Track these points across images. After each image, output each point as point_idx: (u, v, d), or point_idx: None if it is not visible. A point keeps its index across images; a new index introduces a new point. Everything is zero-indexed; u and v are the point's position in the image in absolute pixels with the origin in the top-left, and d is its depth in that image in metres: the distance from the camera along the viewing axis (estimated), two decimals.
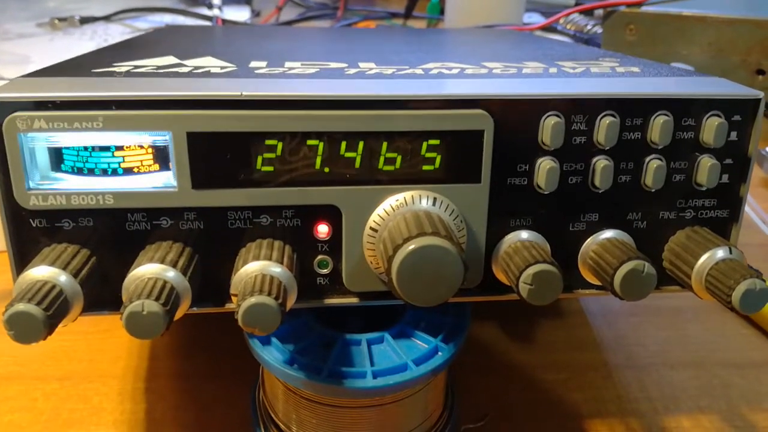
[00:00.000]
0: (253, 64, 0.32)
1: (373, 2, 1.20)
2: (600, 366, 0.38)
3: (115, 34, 0.80)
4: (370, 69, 0.31)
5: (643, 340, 0.40)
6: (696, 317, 0.43)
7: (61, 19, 0.80)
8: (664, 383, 0.37)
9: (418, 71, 0.31)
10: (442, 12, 0.88)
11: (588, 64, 0.34)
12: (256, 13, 0.99)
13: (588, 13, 0.77)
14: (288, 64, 0.32)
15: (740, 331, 0.41)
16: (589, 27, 0.83)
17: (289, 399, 0.30)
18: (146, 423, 0.33)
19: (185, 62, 0.32)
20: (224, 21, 0.80)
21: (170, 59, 0.33)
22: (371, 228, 0.26)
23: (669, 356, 0.39)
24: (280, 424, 0.31)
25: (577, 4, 0.96)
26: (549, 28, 0.77)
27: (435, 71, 0.31)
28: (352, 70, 0.30)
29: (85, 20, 0.81)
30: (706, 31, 0.65)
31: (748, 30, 0.63)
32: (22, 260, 0.26)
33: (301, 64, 0.32)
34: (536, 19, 0.90)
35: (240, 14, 0.90)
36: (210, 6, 0.82)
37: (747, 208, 0.56)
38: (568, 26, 0.82)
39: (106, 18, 0.82)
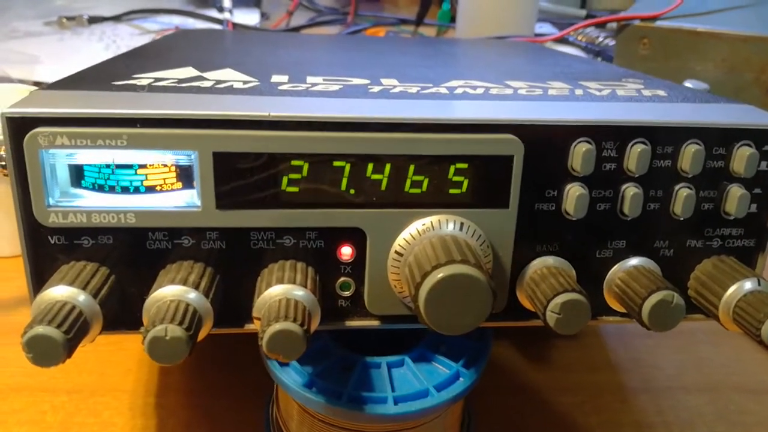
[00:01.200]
0: (275, 78, 0.31)
1: (383, 8, 1.20)
2: (616, 389, 0.37)
3: (124, 35, 0.79)
4: (394, 87, 0.30)
5: (659, 362, 0.40)
6: (710, 339, 0.42)
7: (69, 18, 0.79)
8: (680, 408, 0.36)
9: (443, 90, 0.30)
10: (452, 20, 0.87)
11: (612, 85, 0.34)
12: (265, 17, 0.98)
13: (600, 25, 0.77)
14: (310, 80, 0.31)
15: (755, 356, 0.41)
16: (600, 39, 0.82)
17: (304, 420, 0.29)
18: None
19: (206, 75, 0.31)
20: (234, 25, 0.80)
21: (190, 71, 0.32)
22: (396, 252, 0.26)
23: (685, 380, 0.38)
24: None
25: (587, 16, 0.97)
26: (560, 40, 0.77)
27: (460, 90, 0.30)
28: (376, 88, 0.30)
29: (93, 20, 0.80)
30: (720, 47, 0.65)
31: (763, 48, 0.63)
32: (39, 277, 0.25)
33: (323, 80, 0.32)
34: (548, 29, 0.90)
35: (250, 17, 0.90)
36: (221, 9, 0.81)
37: None
38: (580, 38, 0.81)
39: (115, 18, 0.82)
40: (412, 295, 0.24)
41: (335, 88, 0.30)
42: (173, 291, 0.24)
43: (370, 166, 0.25)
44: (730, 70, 0.65)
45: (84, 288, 0.24)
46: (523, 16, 0.76)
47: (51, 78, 0.64)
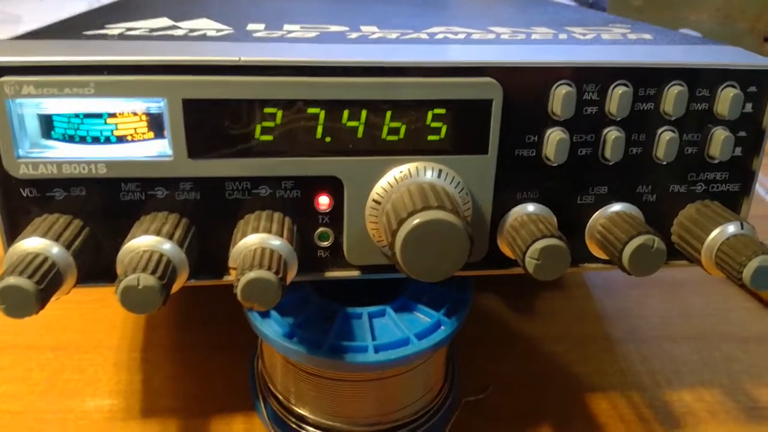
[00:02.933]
0: (251, 26, 0.30)
1: None
2: (602, 338, 0.37)
3: None
4: (373, 33, 0.30)
5: (645, 312, 0.40)
6: (698, 290, 0.42)
7: None
8: (666, 357, 0.36)
9: (423, 36, 0.30)
10: None
11: (598, 30, 0.33)
12: None
13: None
14: (287, 27, 0.31)
15: (743, 305, 0.41)
16: None
17: (288, 372, 0.29)
18: (143, 394, 0.32)
19: (180, 24, 0.30)
20: None
21: (164, 21, 0.31)
22: (374, 200, 0.26)
23: (671, 329, 0.38)
24: (279, 396, 0.30)
25: None
26: None
27: (440, 36, 0.30)
28: (354, 34, 0.29)
29: None
30: None
31: None
32: (12, 231, 0.25)
33: (301, 27, 0.31)
34: None
35: None
36: None
37: (763, 193, 0.56)
38: None
39: None
40: (389, 243, 0.24)
41: (312, 35, 0.29)
42: (147, 241, 0.23)
43: (346, 113, 0.25)
44: (724, 20, 0.64)
45: (57, 239, 0.23)
46: None
47: None
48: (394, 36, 0.29)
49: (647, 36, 0.31)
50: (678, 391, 0.34)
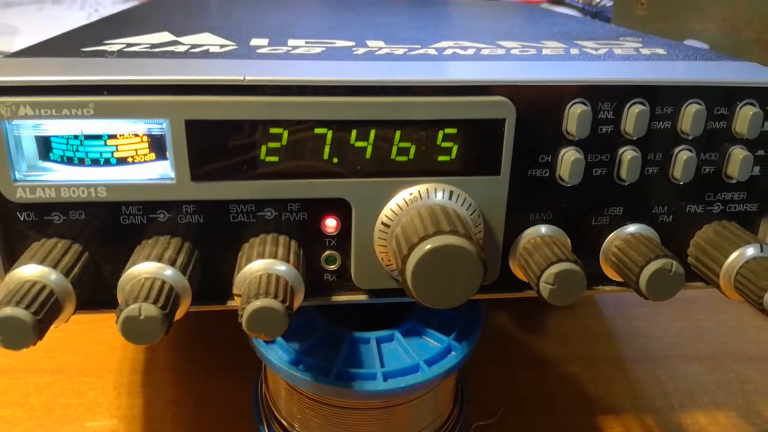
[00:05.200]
0: (254, 41, 0.30)
1: None
2: (614, 359, 0.37)
3: (107, 2, 0.77)
4: (380, 48, 0.29)
5: (657, 332, 0.39)
6: (709, 308, 0.41)
7: None
8: (679, 377, 0.36)
9: (432, 51, 0.29)
10: None
11: (610, 44, 0.32)
12: None
13: None
14: (291, 42, 0.30)
15: (756, 323, 0.40)
16: (597, 0, 0.80)
17: (292, 398, 0.28)
18: (144, 419, 0.31)
19: (181, 39, 0.30)
20: None
21: (165, 36, 0.31)
22: (383, 223, 0.25)
23: (683, 349, 0.38)
24: (284, 422, 0.29)
25: None
26: (556, 1, 0.75)
27: (449, 51, 0.29)
28: (361, 50, 0.29)
29: None
30: (721, 5, 0.63)
31: (763, 6, 0.61)
32: (9, 256, 0.24)
33: (306, 42, 0.30)
34: None
35: None
36: None
37: None
38: None
39: None
40: (400, 269, 0.23)
41: (317, 50, 0.28)
42: (148, 268, 0.23)
43: (354, 133, 0.24)
44: (731, 30, 0.63)
45: (55, 266, 0.23)
46: None
47: None
48: (401, 52, 0.28)
49: (660, 51, 0.31)
50: (692, 413, 0.33)
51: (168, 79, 0.22)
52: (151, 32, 0.32)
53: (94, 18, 0.72)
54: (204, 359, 0.35)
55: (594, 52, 0.30)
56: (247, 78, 0.23)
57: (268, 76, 0.23)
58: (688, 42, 0.56)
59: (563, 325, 0.39)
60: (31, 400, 0.32)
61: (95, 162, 0.23)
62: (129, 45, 0.28)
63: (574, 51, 0.30)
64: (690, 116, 0.25)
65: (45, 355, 0.35)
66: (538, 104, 0.24)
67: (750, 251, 0.26)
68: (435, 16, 0.46)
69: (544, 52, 0.30)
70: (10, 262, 0.24)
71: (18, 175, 0.23)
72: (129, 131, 0.23)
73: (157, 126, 0.23)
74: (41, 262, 0.22)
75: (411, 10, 0.49)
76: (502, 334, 0.38)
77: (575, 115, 0.24)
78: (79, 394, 0.33)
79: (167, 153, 0.23)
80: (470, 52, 0.29)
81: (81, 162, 0.23)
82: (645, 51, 0.31)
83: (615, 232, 0.27)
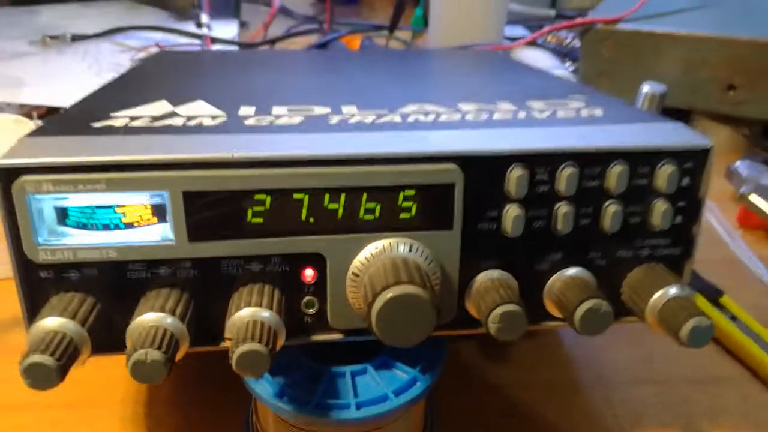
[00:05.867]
0: (242, 111, 0.34)
1: (360, 12, 1.22)
2: (570, 384, 0.40)
3: (107, 52, 0.81)
4: (352, 116, 0.33)
5: (612, 358, 0.43)
6: (661, 336, 0.45)
7: (52, 37, 0.81)
8: (629, 400, 0.39)
9: (397, 118, 0.33)
10: (425, 23, 0.90)
11: (556, 105, 0.36)
12: (244, 26, 1.00)
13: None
14: (275, 110, 0.34)
15: (702, 349, 0.44)
16: (568, 40, 0.85)
17: (279, 426, 0.32)
18: None
19: (178, 110, 0.34)
20: (213, 39, 0.82)
21: (164, 105, 0.35)
22: (353, 273, 0.29)
23: (635, 373, 0.42)
24: None
25: (557, 16, 0.99)
26: (530, 42, 0.80)
27: (412, 118, 0.33)
28: (335, 118, 0.33)
29: (76, 38, 0.82)
30: (678, 48, 0.68)
31: (717, 47, 0.66)
32: (32, 308, 0.28)
33: (288, 110, 0.34)
34: (519, 32, 0.92)
35: (228, 29, 0.92)
36: (199, 24, 0.83)
37: (714, 222, 0.59)
38: (549, 39, 0.84)
39: (98, 36, 0.84)
40: (366, 313, 0.27)
41: (298, 120, 0.32)
42: (152, 318, 0.27)
43: (327, 197, 0.28)
44: (688, 69, 0.68)
45: (73, 317, 0.26)
46: (491, 22, 0.79)
47: (35, 100, 0.67)
48: (370, 120, 0.33)
49: (598, 112, 0.35)
50: None
51: (168, 158, 0.26)
52: (151, 101, 0.36)
53: (95, 68, 0.77)
54: (200, 392, 0.39)
55: (539, 115, 0.34)
56: (236, 155, 0.27)
57: (253, 153, 0.27)
58: (647, 84, 0.61)
59: (527, 355, 0.43)
60: None
61: (106, 227, 0.27)
62: (133, 118, 0.32)
63: (521, 114, 0.34)
64: (615, 176, 0.29)
65: (59, 390, 0.38)
66: (483, 170, 0.28)
67: (672, 291, 0.30)
68: (406, 73, 0.50)
69: (495, 116, 0.34)
70: (33, 313, 0.28)
71: (40, 240, 0.27)
72: (135, 201, 0.27)
73: (159, 197, 0.27)
74: (61, 314, 0.26)
75: (385, 65, 0.53)
76: (471, 364, 0.42)
77: (514, 179, 0.28)
78: (90, 426, 0.36)
79: (167, 218, 0.27)
80: (430, 118, 0.33)
81: (93, 227, 0.27)
82: (584, 113, 0.35)
83: (556, 275, 0.31)
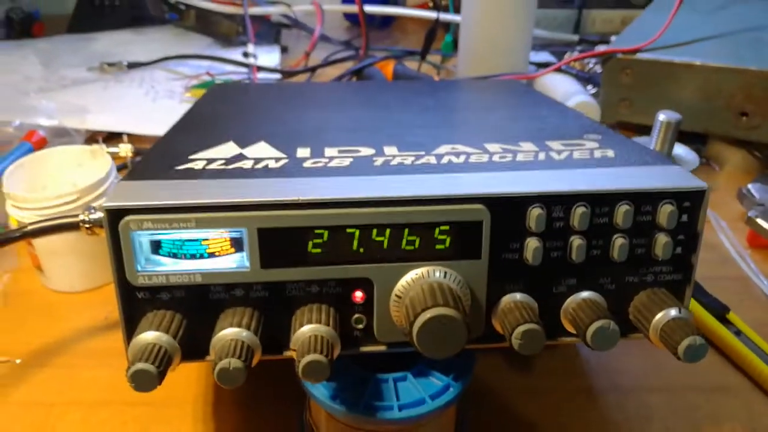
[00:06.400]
0: (300, 153, 0.39)
1: (392, 34, 1.28)
2: (587, 391, 0.45)
3: (161, 79, 0.88)
4: (394, 157, 0.38)
5: (625, 367, 0.47)
6: None
7: (110, 64, 0.88)
8: (640, 406, 0.44)
9: (432, 160, 0.38)
10: (455, 48, 0.95)
11: (572, 146, 0.41)
12: (284, 50, 1.07)
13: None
14: (327, 152, 0.40)
15: (709, 358, 0.49)
16: (590, 66, 0.90)
17: (330, 423, 0.38)
18: None
19: (246, 152, 0.40)
20: (259, 68, 0.88)
21: (232, 148, 0.41)
22: (396, 295, 0.34)
23: (645, 382, 0.46)
24: None
25: (580, 41, 1.04)
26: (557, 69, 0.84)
27: (445, 159, 0.38)
28: (379, 160, 0.38)
29: (132, 65, 0.89)
30: (694, 77, 0.72)
31: (732, 77, 0.70)
32: (129, 324, 0.33)
33: (338, 152, 0.40)
34: (544, 57, 0.97)
35: (271, 57, 0.98)
36: (245, 54, 0.90)
37: (726, 242, 0.63)
38: (572, 64, 0.89)
39: (151, 63, 0.91)
40: (408, 330, 0.32)
41: (347, 162, 0.38)
42: (232, 332, 0.32)
43: (375, 231, 0.33)
44: (703, 97, 0.72)
45: (167, 331, 0.32)
46: (517, 49, 0.83)
47: (100, 126, 0.73)
48: (410, 161, 0.38)
49: (610, 153, 0.40)
50: None
51: (245, 201, 0.32)
52: (221, 143, 0.42)
53: (152, 94, 0.83)
54: (261, 392, 0.44)
55: (557, 156, 0.39)
56: (300, 199, 0.32)
57: (314, 197, 0.33)
58: (662, 113, 0.65)
59: (548, 364, 0.48)
60: (128, 427, 0.42)
61: (192, 256, 0.33)
62: (209, 161, 0.38)
63: (541, 156, 0.39)
64: (622, 214, 0.34)
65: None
66: (507, 209, 0.33)
67: (672, 313, 0.34)
68: (435, 108, 0.55)
69: (518, 157, 0.39)
70: (130, 328, 0.33)
71: (139, 267, 0.33)
72: (217, 236, 0.33)
73: (238, 232, 0.33)
74: (157, 329, 0.32)
75: (414, 99, 0.58)
76: (496, 372, 0.47)
77: (534, 216, 0.33)
78: (166, 422, 0.42)
79: (244, 248, 0.33)
80: (462, 159, 0.38)
81: (183, 257, 0.33)
82: (597, 153, 0.40)
83: (571, 297, 0.36)
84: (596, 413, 0.43)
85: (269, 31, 1.05)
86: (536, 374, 0.47)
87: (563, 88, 0.81)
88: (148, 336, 0.32)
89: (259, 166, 0.37)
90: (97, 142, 0.72)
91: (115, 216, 0.32)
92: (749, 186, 0.67)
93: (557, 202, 0.34)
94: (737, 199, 0.68)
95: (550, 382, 0.46)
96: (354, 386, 0.36)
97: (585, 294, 0.36)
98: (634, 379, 0.46)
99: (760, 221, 0.55)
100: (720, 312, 0.52)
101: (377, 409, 0.35)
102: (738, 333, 0.50)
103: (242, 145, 0.41)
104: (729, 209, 0.68)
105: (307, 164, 0.37)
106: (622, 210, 0.34)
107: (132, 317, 0.34)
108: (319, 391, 0.36)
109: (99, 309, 0.52)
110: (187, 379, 0.46)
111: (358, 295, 0.35)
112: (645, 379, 0.46)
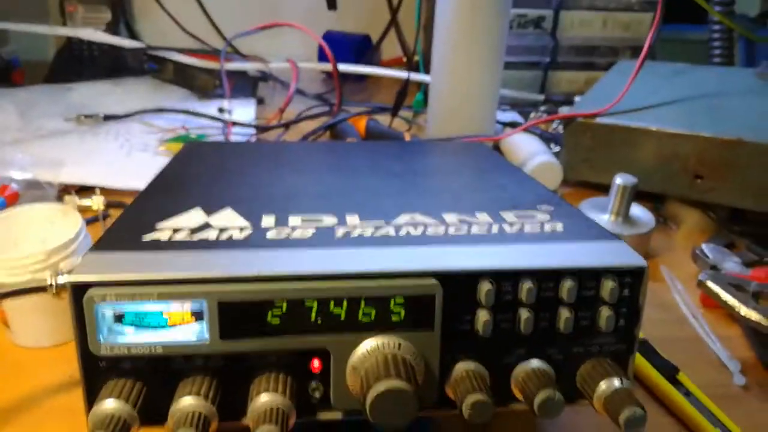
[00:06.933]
0: (264, 221, 0.41)
1: (366, 88, 1.31)
2: None
3: (136, 132, 0.89)
4: (354, 228, 0.40)
5: (578, 427, 0.49)
6: None
7: (87, 116, 0.90)
8: None
9: (391, 231, 0.40)
10: (425, 104, 0.98)
11: (524, 218, 0.43)
12: (261, 101, 1.09)
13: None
14: (291, 221, 0.41)
15: (660, 419, 0.50)
16: (554, 126, 0.93)
17: None
18: None
19: (211, 220, 0.41)
20: (234, 123, 0.90)
21: (199, 215, 0.42)
22: (352, 365, 0.35)
23: None
24: None
25: (545, 101, 1.08)
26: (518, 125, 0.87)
27: (404, 231, 0.40)
28: (341, 231, 0.40)
29: (108, 117, 0.91)
30: (651, 141, 0.75)
31: (686, 142, 0.73)
32: (90, 390, 0.34)
33: (302, 221, 0.41)
34: (511, 116, 1.00)
35: (246, 111, 1.01)
36: (221, 110, 0.92)
37: (680, 302, 0.65)
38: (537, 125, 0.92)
39: (127, 116, 0.92)
40: (362, 400, 0.33)
41: (309, 233, 0.39)
42: (189, 402, 0.33)
43: (332, 303, 0.35)
44: (660, 160, 0.75)
45: (126, 400, 0.33)
46: (485, 110, 0.87)
47: (74, 179, 0.74)
48: (369, 233, 0.40)
49: (559, 227, 0.42)
50: None
51: (207, 276, 0.33)
52: (188, 208, 0.43)
53: (126, 147, 0.85)
54: None
55: (509, 229, 0.41)
56: (260, 272, 0.34)
57: (274, 271, 0.34)
58: (619, 176, 0.68)
59: (503, 424, 0.49)
60: None
61: (154, 327, 0.34)
62: (175, 230, 0.39)
63: (494, 228, 0.41)
64: (566, 289, 0.36)
65: None
66: (458, 284, 0.35)
67: (615, 383, 0.36)
68: (401, 172, 0.57)
69: (473, 229, 0.41)
70: (91, 392, 0.34)
71: (101, 338, 0.34)
72: (179, 309, 0.34)
73: (198, 304, 0.34)
74: (117, 397, 0.33)
75: (382, 161, 0.60)
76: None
77: (484, 291, 0.35)
78: None
79: (204, 319, 0.34)
80: (419, 231, 0.40)
81: (144, 327, 0.34)
82: (547, 227, 0.42)
83: (520, 365, 0.37)
84: None
85: (246, 83, 1.08)
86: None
87: (527, 148, 0.84)
88: (108, 406, 0.33)
89: (224, 237, 0.39)
90: (70, 193, 0.73)
91: (79, 289, 0.33)
92: (703, 246, 0.69)
93: (506, 278, 0.36)
94: (692, 259, 0.70)
95: None
96: None
97: (534, 363, 0.37)
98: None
99: (710, 284, 0.58)
100: (671, 372, 0.53)
101: None
102: (687, 394, 0.52)
103: (209, 212, 0.43)
104: (685, 269, 0.70)
105: (270, 235, 0.39)
106: (567, 285, 0.36)
107: (93, 385, 0.34)
108: None
109: (65, 365, 0.52)
110: None
111: (316, 364, 0.36)
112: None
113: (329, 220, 0.42)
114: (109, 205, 0.73)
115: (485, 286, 0.35)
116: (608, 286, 0.36)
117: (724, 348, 0.59)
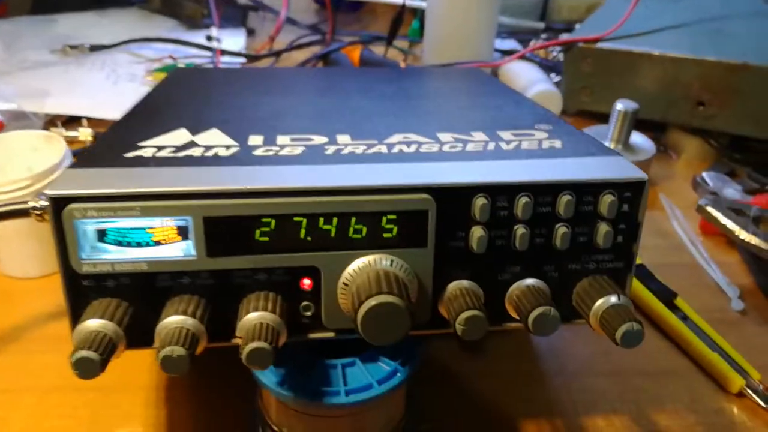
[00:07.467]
0: (252, 140, 0.39)
1: (360, 19, 1.27)
2: (535, 374, 0.46)
3: (123, 62, 0.87)
4: (346, 146, 0.39)
5: (574, 351, 0.49)
6: None
7: (72, 47, 0.87)
8: (587, 389, 0.45)
9: (383, 149, 0.39)
10: (422, 35, 0.95)
11: (522, 136, 0.42)
12: (251, 32, 1.06)
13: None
14: (279, 140, 0.40)
15: (656, 343, 0.50)
16: (554, 54, 0.90)
17: (280, 409, 0.38)
18: (168, 426, 0.41)
19: (197, 139, 0.40)
20: (222, 51, 0.88)
21: (184, 135, 0.40)
22: (344, 282, 0.35)
23: (593, 366, 0.47)
24: (275, 428, 0.39)
25: (546, 28, 1.04)
26: (521, 57, 0.85)
27: (396, 149, 0.39)
28: (331, 149, 0.38)
29: (94, 48, 0.88)
30: (653, 66, 0.73)
31: (689, 67, 0.71)
32: (75, 311, 0.33)
33: (291, 140, 0.40)
34: (509, 44, 0.97)
35: (236, 40, 0.97)
36: (209, 38, 0.89)
37: (678, 229, 0.65)
38: (536, 52, 0.89)
39: (114, 46, 0.89)
40: (353, 317, 0.33)
41: (299, 151, 0.38)
42: (177, 319, 0.32)
43: (322, 220, 0.34)
44: (662, 87, 0.73)
45: (111, 319, 0.32)
46: (482, 36, 0.84)
47: (59, 110, 0.72)
48: (360, 150, 0.38)
49: (557, 144, 0.40)
50: (593, 417, 0.43)
51: (192, 190, 0.32)
52: (172, 129, 0.41)
53: (113, 78, 0.82)
54: (214, 380, 0.45)
55: (506, 147, 0.40)
56: (248, 187, 0.33)
57: (261, 185, 0.33)
58: (620, 102, 0.66)
59: (499, 347, 0.48)
60: (79, 412, 0.42)
61: (138, 244, 0.33)
62: (159, 148, 0.38)
63: (491, 146, 0.40)
64: (564, 204, 0.35)
65: None
66: (452, 199, 0.34)
67: (612, 300, 0.35)
68: (393, 96, 0.55)
69: (468, 147, 0.39)
70: (76, 316, 0.33)
71: (84, 255, 0.33)
72: (163, 224, 0.33)
73: (184, 220, 0.33)
74: (101, 317, 0.32)
75: (377, 88, 0.58)
76: (446, 356, 0.47)
77: (479, 206, 0.34)
78: (117, 407, 0.42)
79: (190, 237, 0.33)
80: (413, 149, 0.39)
81: (128, 244, 0.33)
82: (546, 144, 0.40)
83: (515, 284, 0.37)
84: (543, 395, 0.44)
85: (235, 13, 1.04)
86: (487, 357, 0.48)
87: (527, 76, 0.82)
88: (93, 324, 0.32)
89: (209, 153, 0.37)
90: (56, 126, 0.71)
91: (59, 204, 0.32)
92: (704, 174, 0.68)
93: (501, 193, 0.34)
94: (692, 187, 0.69)
95: (501, 365, 0.47)
96: (302, 372, 0.37)
97: (529, 281, 0.37)
98: (582, 364, 0.48)
99: (710, 209, 0.56)
100: (668, 297, 0.53)
101: (324, 394, 0.35)
102: (684, 318, 0.51)
103: (194, 132, 0.41)
104: (684, 197, 0.69)
105: (257, 152, 0.38)
106: (564, 200, 0.35)
107: (77, 305, 0.34)
108: (268, 378, 0.36)
109: (53, 295, 0.52)
110: (141, 366, 0.46)
111: (306, 282, 0.35)
112: (593, 364, 0.48)
113: (320, 139, 0.40)
114: (96, 137, 0.71)
115: (480, 201, 0.34)
116: (607, 200, 0.35)
117: (722, 274, 0.58)
